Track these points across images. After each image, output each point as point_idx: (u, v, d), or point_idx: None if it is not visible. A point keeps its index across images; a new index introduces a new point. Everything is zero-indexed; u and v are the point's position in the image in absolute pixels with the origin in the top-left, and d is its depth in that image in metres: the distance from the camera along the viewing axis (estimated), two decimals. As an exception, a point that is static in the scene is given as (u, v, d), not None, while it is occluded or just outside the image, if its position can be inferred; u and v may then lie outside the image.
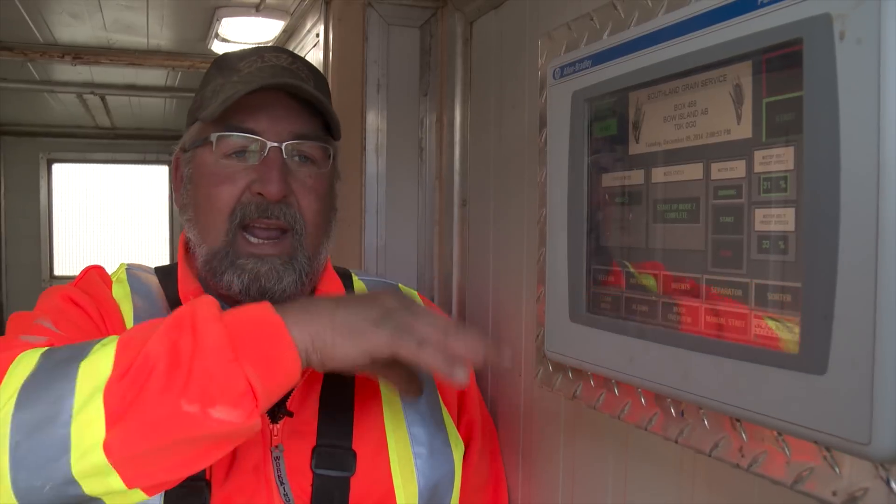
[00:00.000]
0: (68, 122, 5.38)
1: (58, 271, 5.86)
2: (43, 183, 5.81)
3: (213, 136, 1.11)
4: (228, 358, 0.81)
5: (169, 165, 5.70)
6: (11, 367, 0.85)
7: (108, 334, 1.05)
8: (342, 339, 0.85)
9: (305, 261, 1.12)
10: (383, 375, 1.01)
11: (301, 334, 0.84)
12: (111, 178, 6.04)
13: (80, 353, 0.85)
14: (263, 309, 0.86)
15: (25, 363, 0.85)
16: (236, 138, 1.11)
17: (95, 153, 5.85)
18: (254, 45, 1.22)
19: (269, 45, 1.23)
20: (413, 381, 0.99)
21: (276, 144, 1.10)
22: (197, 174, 1.14)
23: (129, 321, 1.09)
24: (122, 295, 1.13)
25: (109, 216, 6.07)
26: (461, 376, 0.85)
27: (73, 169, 5.94)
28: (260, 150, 1.10)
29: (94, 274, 1.16)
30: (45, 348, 0.89)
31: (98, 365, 0.83)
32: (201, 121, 1.14)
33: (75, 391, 0.81)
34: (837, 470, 0.64)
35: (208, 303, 0.86)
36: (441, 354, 0.85)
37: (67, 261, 5.91)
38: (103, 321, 1.07)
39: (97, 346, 0.85)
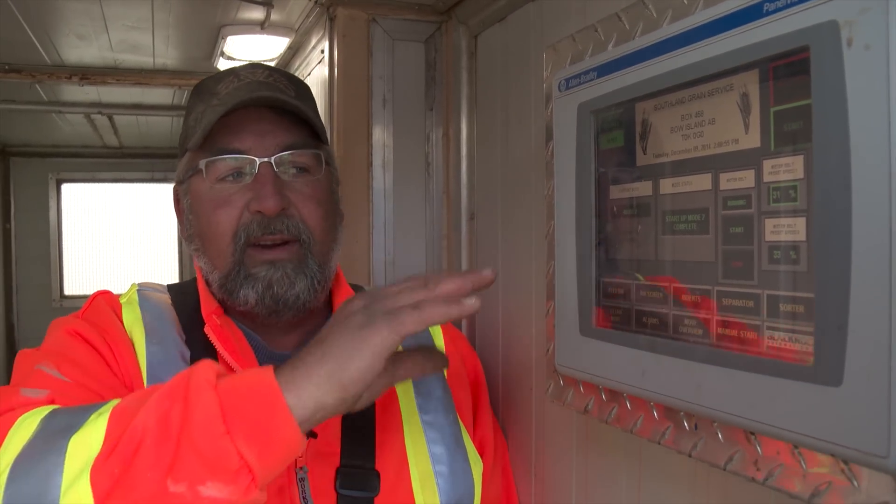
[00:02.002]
0: (77, 142, 5.40)
1: (68, 291, 5.86)
2: (52, 203, 5.82)
3: (202, 164, 1.11)
4: (219, 432, 0.74)
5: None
6: (10, 433, 0.83)
7: (117, 364, 1.05)
8: (346, 362, 0.77)
9: (316, 267, 1.11)
10: (402, 375, 0.87)
11: (301, 393, 0.76)
12: (119, 196, 6.06)
13: (75, 422, 0.81)
14: (262, 375, 0.78)
15: (23, 430, 0.83)
16: (224, 161, 1.10)
17: (104, 172, 5.86)
18: (232, 67, 1.21)
19: (248, 63, 1.22)
20: (432, 356, 0.89)
21: (265, 160, 1.09)
22: (195, 203, 1.14)
23: (140, 346, 1.08)
24: (132, 319, 1.11)
25: (119, 235, 6.08)
26: (471, 302, 0.80)
27: (81, 189, 5.96)
28: (251, 168, 1.09)
29: (102, 301, 1.15)
30: (45, 412, 0.86)
31: (88, 440, 0.78)
32: (189, 150, 1.14)
33: (64, 469, 0.77)
34: (856, 483, 0.63)
35: (206, 368, 0.79)
36: (440, 304, 0.78)
37: (78, 281, 5.92)
38: (111, 352, 1.06)
39: (93, 416, 0.81)
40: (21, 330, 5.67)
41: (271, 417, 0.75)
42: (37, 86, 3.09)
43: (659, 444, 0.88)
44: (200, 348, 1.10)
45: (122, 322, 1.11)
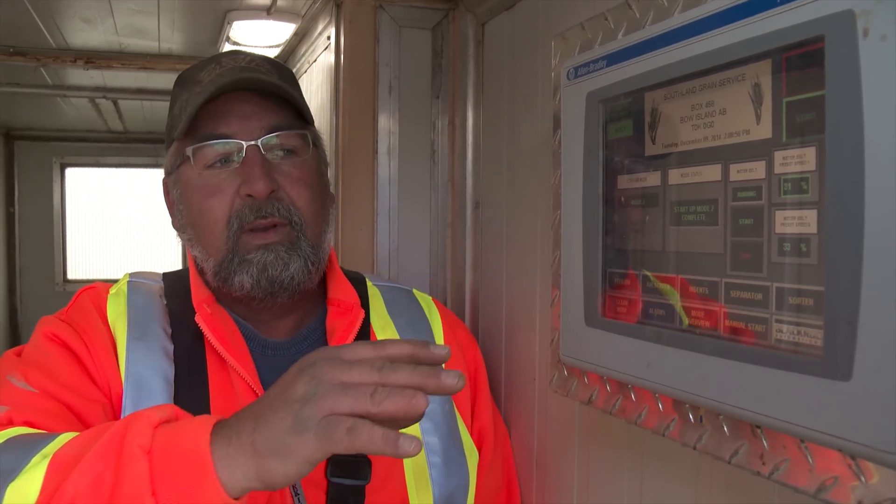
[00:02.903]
0: (81, 126, 5.40)
1: (71, 275, 5.88)
2: (56, 187, 5.83)
3: (189, 150, 1.10)
4: None
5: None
6: None
7: (95, 367, 1.05)
8: (274, 464, 0.73)
9: (309, 248, 1.11)
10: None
11: (233, 473, 0.73)
12: (123, 181, 6.07)
13: (18, 465, 0.80)
14: (197, 442, 0.75)
15: None
16: (211, 147, 1.10)
17: (108, 157, 5.87)
18: (214, 55, 1.21)
19: (229, 51, 1.22)
20: (396, 439, 0.71)
21: (252, 143, 1.09)
22: (185, 193, 1.14)
23: (121, 342, 1.08)
24: (116, 314, 1.11)
25: (122, 219, 6.09)
26: (407, 448, 0.70)
27: (85, 173, 5.96)
28: (238, 153, 1.09)
29: (85, 299, 1.15)
30: None
31: (24, 490, 0.77)
32: (176, 140, 1.14)
33: None
34: (863, 479, 0.62)
35: (143, 424, 0.77)
36: (377, 434, 0.70)
37: (81, 265, 5.93)
38: (89, 354, 1.06)
39: (35, 459, 0.80)
40: (24, 313, 5.69)
41: (201, 490, 0.73)
42: (41, 69, 3.09)
43: (663, 435, 0.88)
44: (190, 338, 1.11)
45: (105, 318, 1.11)
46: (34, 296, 5.68)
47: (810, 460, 0.68)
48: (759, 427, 0.73)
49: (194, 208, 1.12)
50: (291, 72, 1.24)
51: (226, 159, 1.10)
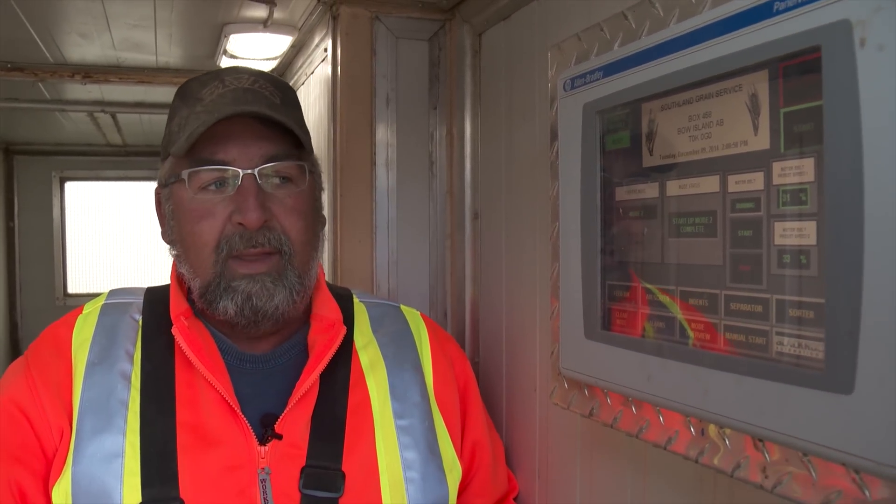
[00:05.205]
0: (80, 140, 5.38)
1: (71, 289, 5.85)
2: (56, 201, 5.81)
3: (185, 174, 1.09)
4: None
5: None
6: None
7: (44, 421, 1.06)
8: None
9: (295, 279, 1.11)
10: None
11: None
12: (123, 194, 6.06)
13: None
14: None
15: None
16: (207, 172, 1.09)
17: (107, 170, 5.86)
18: (217, 69, 1.20)
19: (231, 66, 1.20)
20: None
21: (249, 171, 1.08)
22: (177, 211, 1.13)
23: (80, 371, 1.09)
24: (81, 340, 1.12)
25: (122, 232, 6.08)
26: None
27: (85, 187, 5.96)
28: (234, 179, 1.08)
29: (47, 340, 1.15)
30: None
31: None
32: (172, 156, 1.13)
33: None
34: (867, 493, 0.61)
35: None
36: None
37: (81, 279, 5.91)
38: (37, 409, 1.07)
39: None
40: (24, 328, 5.67)
41: None
42: (39, 84, 3.09)
43: (665, 449, 0.87)
44: (161, 351, 1.11)
45: (68, 350, 1.11)
46: (35, 310, 5.65)
47: (813, 474, 0.67)
48: (761, 440, 0.73)
49: (185, 229, 1.11)
50: (294, 92, 1.23)
51: (221, 183, 1.09)
